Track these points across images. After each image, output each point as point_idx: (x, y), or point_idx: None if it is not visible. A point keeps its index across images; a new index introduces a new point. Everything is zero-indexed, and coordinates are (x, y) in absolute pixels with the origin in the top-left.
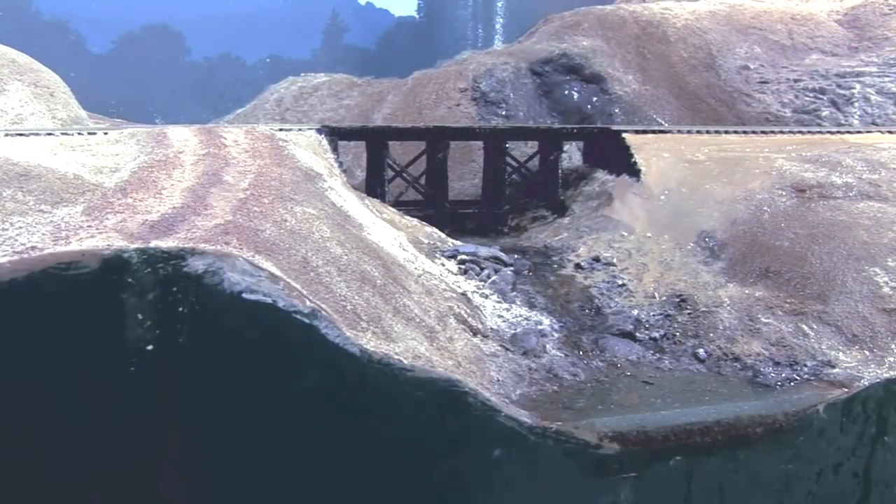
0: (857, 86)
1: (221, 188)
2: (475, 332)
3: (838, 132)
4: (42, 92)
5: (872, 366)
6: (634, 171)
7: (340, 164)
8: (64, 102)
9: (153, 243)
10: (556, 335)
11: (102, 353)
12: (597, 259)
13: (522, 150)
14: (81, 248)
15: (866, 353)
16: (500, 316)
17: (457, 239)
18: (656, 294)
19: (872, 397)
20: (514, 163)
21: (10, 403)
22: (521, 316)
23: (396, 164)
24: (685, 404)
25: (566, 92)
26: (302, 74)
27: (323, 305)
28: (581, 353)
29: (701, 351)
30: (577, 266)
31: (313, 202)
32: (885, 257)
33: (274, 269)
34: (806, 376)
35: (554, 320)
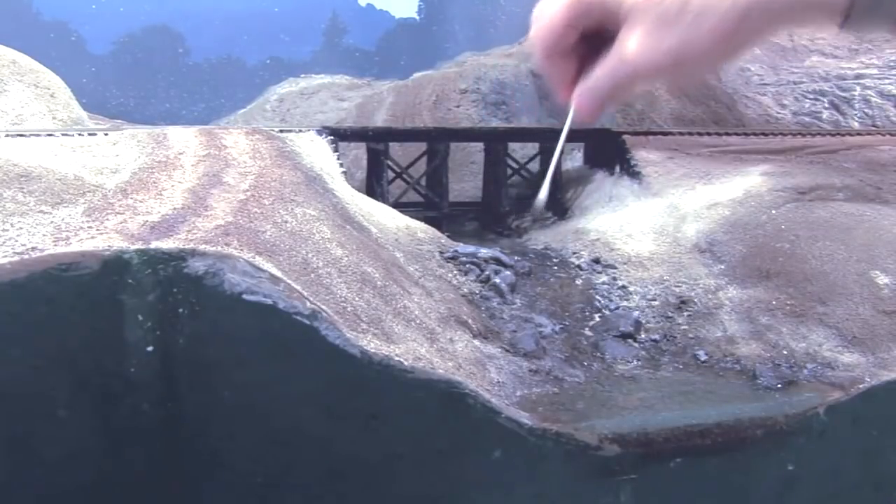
0: (858, 88)
1: (222, 189)
2: (475, 334)
3: (838, 134)
4: (43, 93)
5: (873, 368)
6: (634, 173)
7: (341, 166)
8: (65, 103)
9: (153, 244)
10: (556, 337)
11: (102, 354)
12: (597, 261)
13: (522, 151)
14: (82, 249)
15: (867, 355)
16: (500, 317)
17: (457, 240)
18: (656, 296)
19: (873, 399)
20: (514, 164)
21: (9, 404)
22: (521, 317)
23: (397, 165)
24: (685, 406)
25: None
26: (302, 75)
27: (324, 307)
28: (581, 354)
29: (701, 353)
30: (578, 267)
31: (314, 203)
32: (886, 259)
33: (275, 271)
34: (806, 378)
35: (554, 322)
